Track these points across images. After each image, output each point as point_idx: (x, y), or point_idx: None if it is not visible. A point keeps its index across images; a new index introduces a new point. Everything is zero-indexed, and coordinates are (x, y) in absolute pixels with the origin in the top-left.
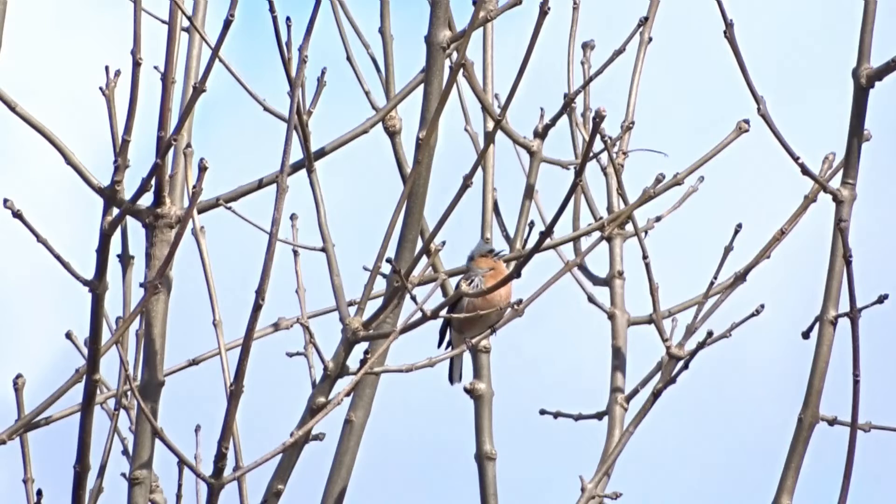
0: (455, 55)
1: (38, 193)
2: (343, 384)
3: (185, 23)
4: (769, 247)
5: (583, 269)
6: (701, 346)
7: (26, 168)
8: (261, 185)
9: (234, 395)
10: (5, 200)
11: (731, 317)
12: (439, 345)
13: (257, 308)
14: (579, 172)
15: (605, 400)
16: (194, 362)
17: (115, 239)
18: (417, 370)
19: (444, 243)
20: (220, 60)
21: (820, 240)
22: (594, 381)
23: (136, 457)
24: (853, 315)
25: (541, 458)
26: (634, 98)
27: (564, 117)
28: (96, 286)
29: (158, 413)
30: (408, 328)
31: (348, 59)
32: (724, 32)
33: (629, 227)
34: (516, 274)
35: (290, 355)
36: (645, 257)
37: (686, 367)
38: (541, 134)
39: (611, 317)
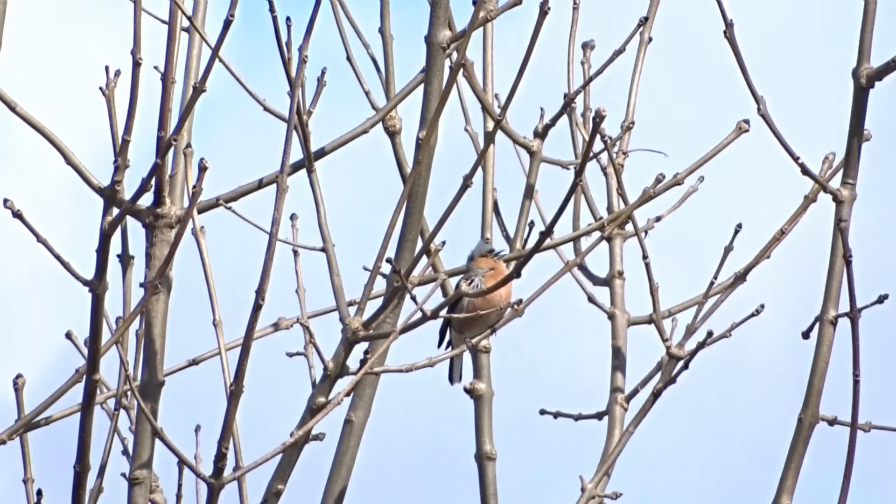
0: (455, 55)
1: (38, 193)
2: (343, 384)
3: (186, 23)
4: (769, 247)
5: (583, 269)
6: (701, 346)
7: (26, 168)
8: (261, 185)
9: (234, 395)
10: (5, 200)
11: (731, 317)
12: (439, 345)
13: (257, 308)
14: (579, 172)
15: (605, 400)
16: (194, 362)
17: (116, 239)
18: (417, 370)
19: (444, 243)
20: (220, 60)
21: (820, 240)
22: (594, 381)
23: (136, 457)
24: (853, 315)
25: (541, 458)
26: (634, 98)
27: (564, 117)
28: (96, 286)
29: (158, 413)
30: (408, 328)
31: (348, 59)
32: (724, 32)
33: (629, 227)
34: (516, 274)
35: (290, 355)
36: (645, 257)
37: (686, 367)
38: (541, 134)
39: (611, 317)
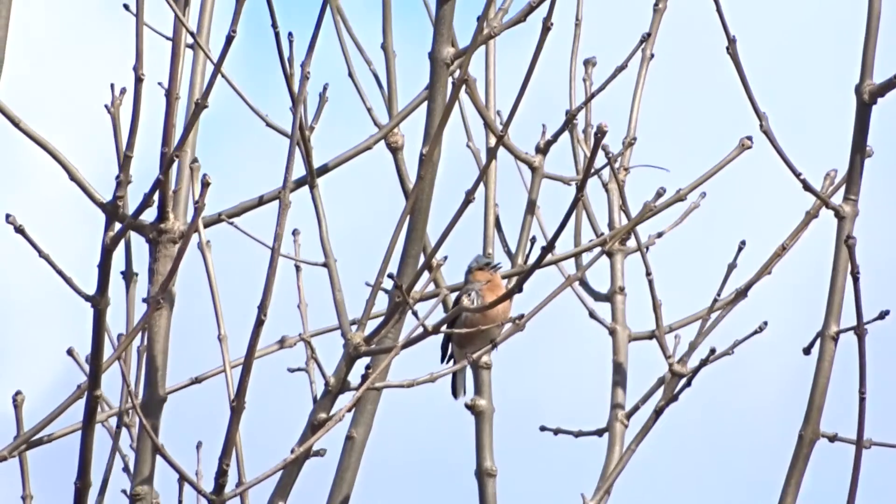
0: (458, 72)
1: (41, 209)
2: (344, 400)
3: (190, 39)
4: (771, 262)
5: (584, 284)
6: (704, 363)
7: (29, 184)
8: (262, 201)
9: (235, 411)
10: (7, 216)
11: (732, 332)
12: (443, 360)
13: (259, 324)
14: (581, 188)
15: (606, 416)
16: (197, 380)
17: (120, 255)
18: (419, 385)
19: (445, 258)
20: (223, 76)
21: (822, 255)
22: (595, 397)
23: (137, 473)
24: (860, 331)
25: (541, 474)
26: (636, 114)
27: (566, 133)
28: (98, 301)
29: (160, 429)
30: (409, 343)
31: (350, 75)
32: (727, 48)
33: (631, 243)
34: (518, 289)
35: (292, 371)
36: (648, 273)
37: (689, 384)
38: (542, 150)
39: (612, 332)
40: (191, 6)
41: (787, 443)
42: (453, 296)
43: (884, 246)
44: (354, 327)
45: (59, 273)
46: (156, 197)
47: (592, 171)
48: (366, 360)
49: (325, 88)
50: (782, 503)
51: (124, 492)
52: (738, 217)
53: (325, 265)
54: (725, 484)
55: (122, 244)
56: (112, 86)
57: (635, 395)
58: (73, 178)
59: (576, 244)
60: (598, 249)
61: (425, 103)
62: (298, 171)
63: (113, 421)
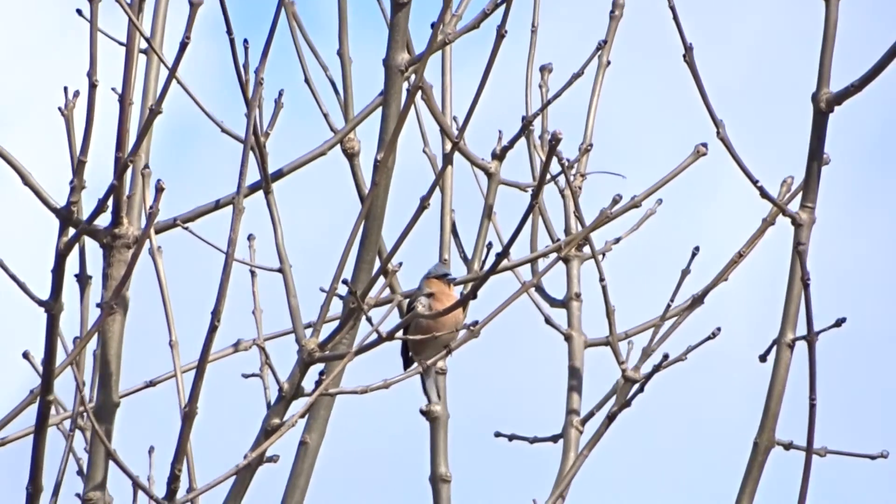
0: (413, 78)
1: None
2: (298, 406)
3: (144, 44)
4: (727, 269)
5: (540, 290)
6: (657, 369)
7: None
8: (218, 205)
9: (187, 416)
10: None
11: (689, 340)
12: (405, 367)
13: (213, 329)
14: (535, 194)
15: (561, 423)
16: (152, 384)
17: (75, 260)
18: (373, 392)
19: (400, 264)
20: (178, 81)
21: (779, 263)
22: (550, 403)
23: (90, 478)
24: (810, 338)
25: (496, 480)
26: (592, 121)
27: (523, 140)
28: (51, 307)
29: (113, 434)
30: (363, 349)
31: (306, 81)
32: (684, 56)
33: (587, 250)
34: (473, 295)
35: (246, 377)
36: (602, 279)
37: (641, 389)
38: (499, 156)
39: (567, 338)
40: (145, 12)
41: (743, 450)
42: (407, 302)
43: (840, 254)
44: (309, 331)
45: (13, 277)
46: (110, 202)
47: (548, 177)
48: (320, 367)
49: (280, 94)
50: None
51: (78, 495)
52: (696, 224)
53: (280, 270)
54: (680, 490)
55: (76, 249)
56: (66, 88)
57: (591, 401)
58: (26, 182)
59: (532, 251)
60: (553, 256)
61: (380, 109)
62: (255, 176)
63: (68, 424)
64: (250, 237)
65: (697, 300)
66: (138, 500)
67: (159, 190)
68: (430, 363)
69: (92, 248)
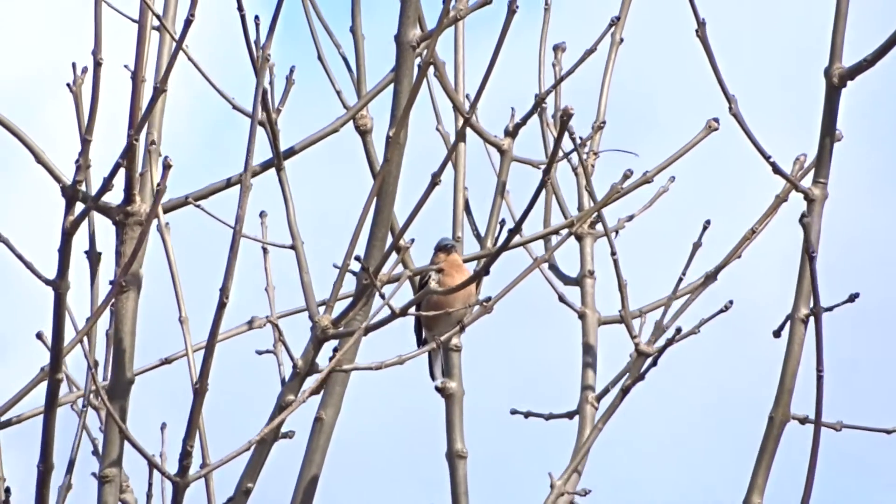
0: (425, 54)
1: (7, 194)
2: (312, 382)
3: (156, 22)
4: (740, 246)
5: (554, 268)
6: (669, 342)
7: None
8: (229, 183)
9: (198, 393)
10: None
11: (703, 316)
12: (418, 344)
13: (221, 306)
14: (547, 171)
15: (576, 399)
16: (167, 361)
17: (84, 238)
18: (387, 368)
19: (413, 241)
20: (188, 57)
21: (792, 239)
22: (565, 380)
23: (106, 455)
24: (817, 312)
25: (512, 456)
26: (605, 98)
27: (536, 118)
28: (58, 286)
29: (128, 411)
30: (376, 325)
31: (319, 58)
32: (696, 31)
33: (601, 227)
34: (485, 271)
35: (260, 353)
36: (613, 254)
37: (655, 363)
38: (511, 133)
39: (581, 316)
40: None
41: (758, 425)
42: (417, 278)
43: (852, 229)
44: (322, 309)
45: (20, 257)
46: (121, 180)
47: (561, 154)
48: (334, 343)
49: (291, 71)
50: (752, 485)
51: (94, 474)
52: (708, 201)
53: (292, 247)
54: (695, 465)
55: (86, 227)
56: (73, 65)
57: (606, 378)
58: (39, 160)
59: (545, 227)
60: (566, 232)
61: (392, 86)
62: (267, 154)
63: (81, 403)
64: (262, 214)
65: (710, 277)
66: (154, 478)
67: (167, 167)
68: (444, 339)
69: (105, 226)
